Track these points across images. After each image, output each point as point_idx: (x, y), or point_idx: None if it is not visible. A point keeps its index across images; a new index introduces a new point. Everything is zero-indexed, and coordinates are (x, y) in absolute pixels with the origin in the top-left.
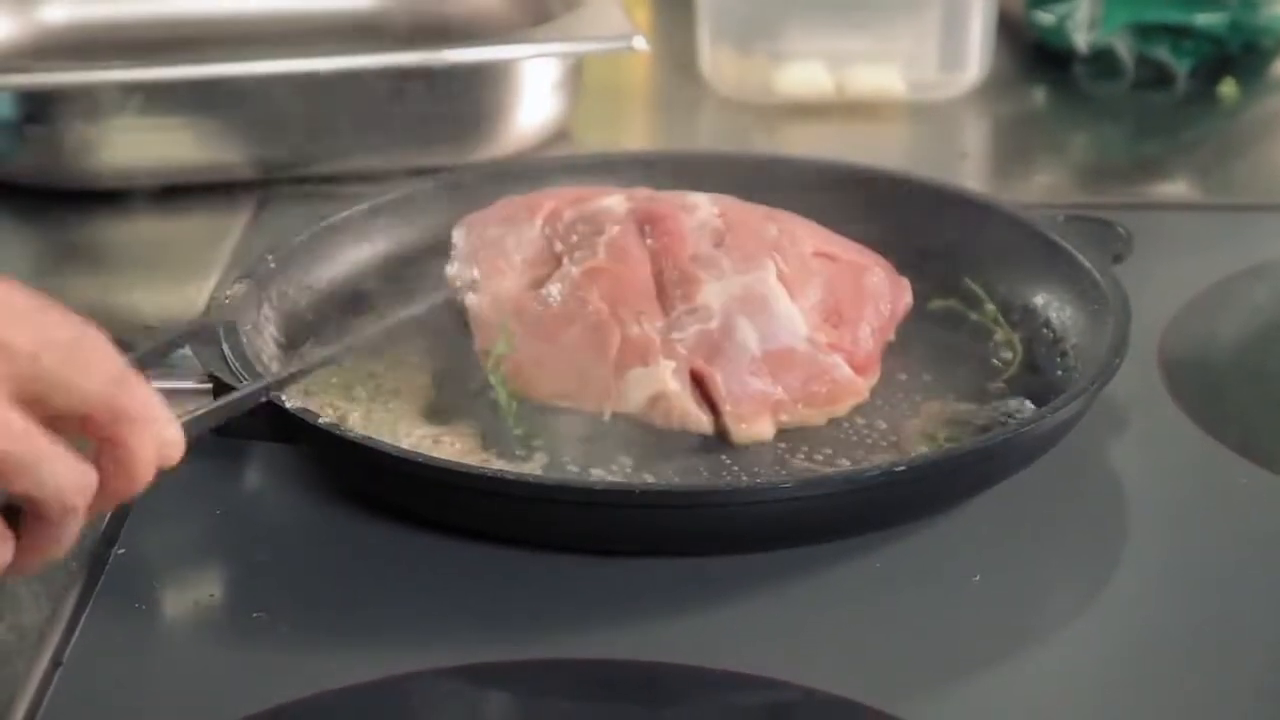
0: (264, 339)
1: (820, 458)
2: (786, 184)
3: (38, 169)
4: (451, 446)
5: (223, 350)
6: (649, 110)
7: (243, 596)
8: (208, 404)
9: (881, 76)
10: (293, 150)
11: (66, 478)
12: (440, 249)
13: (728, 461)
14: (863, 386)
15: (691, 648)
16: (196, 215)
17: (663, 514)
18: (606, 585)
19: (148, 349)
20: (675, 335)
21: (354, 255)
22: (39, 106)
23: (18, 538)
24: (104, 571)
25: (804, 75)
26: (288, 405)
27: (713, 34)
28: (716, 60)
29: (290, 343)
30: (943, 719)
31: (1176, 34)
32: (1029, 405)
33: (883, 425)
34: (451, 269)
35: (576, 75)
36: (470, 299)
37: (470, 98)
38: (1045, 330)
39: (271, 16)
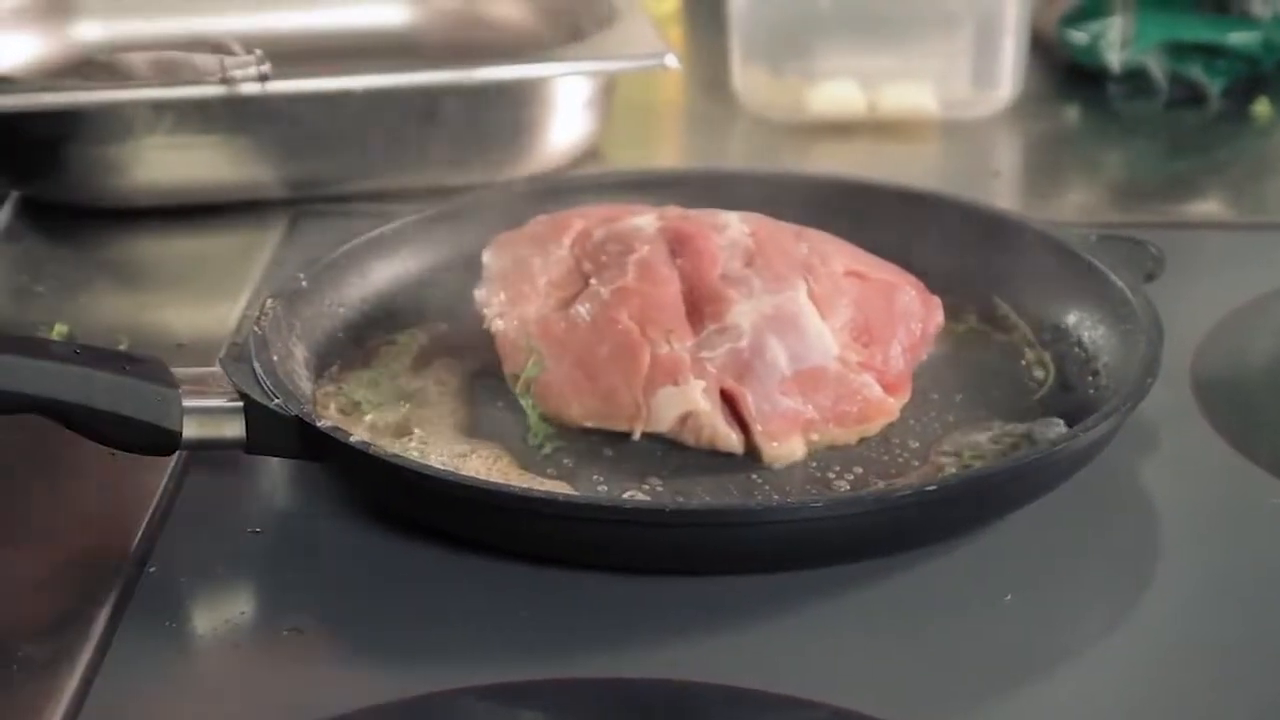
0: (295, 357)
1: (851, 477)
2: (817, 202)
3: (71, 187)
4: (482, 464)
5: (254, 368)
6: (680, 128)
7: (274, 614)
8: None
9: (914, 95)
10: (325, 169)
11: None
12: (471, 267)
13: (758, 481)
14: (894, 406)
15: (723, 667)
16: (228, 233)
17: (693, 533)
18: (637, 604)
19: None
20: (705, 354)
21: (385, 274)
22: (72, 125)
23: None
24: (135, 589)
25: (837, 94)
26: (319, 423)
27: (744, 53)
28: (748, 79)
29: (321, 361)
30: None
31: (1209, 53)
32: (1061, 425)
33: (914, 445)
34: (480, 293)
35: (608, 94)
36: (497, 325)
37: (502, 116)
38: (1077, 349)
39: (304, 35)
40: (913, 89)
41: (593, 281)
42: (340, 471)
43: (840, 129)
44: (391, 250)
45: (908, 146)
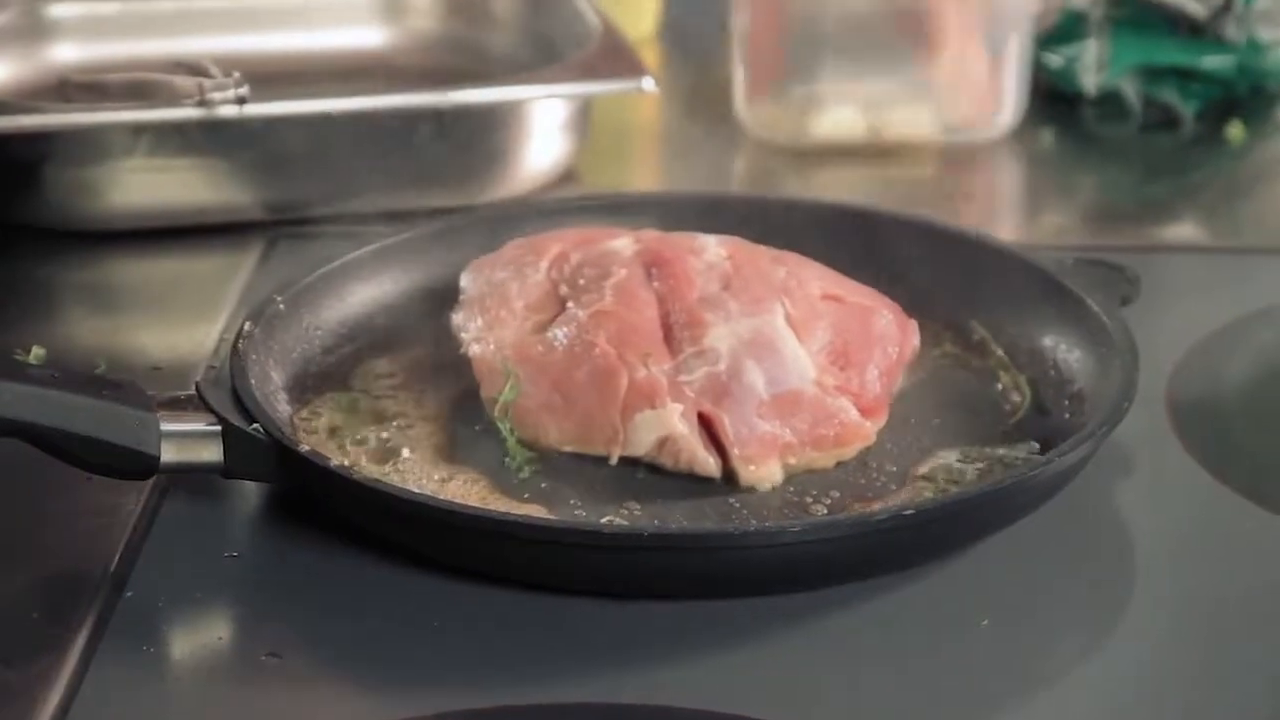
0: (273, 381)
1: (829, 501)
2: (794, 226)
3: (48, 210)
4: (460, 489)
5: (232, 392)
6: (657, 151)
7: (252, 639)
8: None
9: (914, 119)
10: (302, 191)
11: None
12: (448, 290)
13: (736, 504)
14: (870, 430)
15: (699, 691)
16: (206, 256)
17: (671, 557)
18: (615, 628)
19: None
20: (683, 378)
21: (363, 297)
22: (49, 147)
23: None
24: (113, 614)
25: (839, 120)
26: (297, 448)
27: (749, 77)
28: (752, 103)
29: (299, 385)
30: None
31: (1184, 76)
32: (1037, 448)
33: (891, 468)
34: (457, 317)
35: (585, 116)
36: (474, 349)
37: (479, 139)
38: (1053, 373)
39: (282, 57)
40: (913, 113)
41: (570, 305)
42: (318, 496)
43: (827, 152)
44: (369, 273)
45: (885, 172)
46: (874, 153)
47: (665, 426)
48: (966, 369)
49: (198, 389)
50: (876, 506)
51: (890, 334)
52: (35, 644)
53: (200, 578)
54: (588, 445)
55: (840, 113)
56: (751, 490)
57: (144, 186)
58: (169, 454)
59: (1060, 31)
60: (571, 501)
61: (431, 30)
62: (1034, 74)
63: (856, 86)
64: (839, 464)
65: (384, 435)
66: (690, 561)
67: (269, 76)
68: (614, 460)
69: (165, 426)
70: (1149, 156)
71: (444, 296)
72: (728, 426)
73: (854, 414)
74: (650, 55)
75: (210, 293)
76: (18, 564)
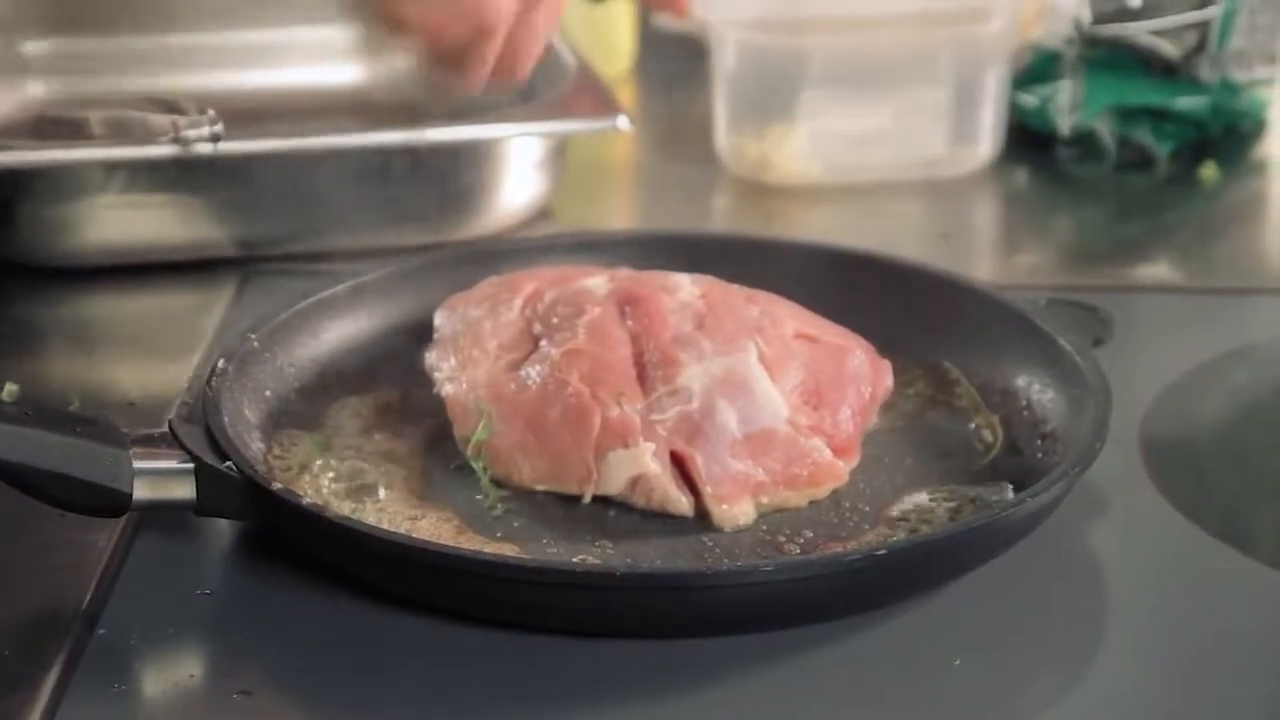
0: (246, 419)
1: (801, 540)
2: (768, 265)
3: (21, 246)
4: (432, 527)
5: (205, 429)
6: (632, 189)
7: (223, 677)
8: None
9: (884, 157)
10: (276, 228)
11: None
12: (423, 327)
13: (709, 543)
14: (843, 469)
15: None
16: (180, 293)
17: (644, 596)
18: (588, 667)
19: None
20: (656, 417)
21: (336, 334)
22: (23, 184)
23: None
24: (84, 652)
25: (794, 157)
26: (270, 486)
27: (730, 115)
28: (732, 139)
29: (273, 422)
30: None
31: (1158, 117)
32: (1009, 489)
33: (864, 508)
34: (430, 356)
35: (560, 154)
36: (447, 389)
37: (454, 176)
38: (1025, 413)
39: (257, 94)
40: (885, 150)
41: (543, 343)
42: (291, 534)
43: (803, 190)
44: (343, 311)
45: (856, 209)
46: (851, 190)
47: (638, 465)
48: (939, 409)
49: (170, 426)
50: (849, 546)
51: (863, 373)
52: (6, 681)
53: (172, 615)
54: (560, 484)
55: (797, 151)
56: (724, 530)
57: (118, 223)
58: (141, 491)
59: (1035, 71)
60: (544, 540)
61: (407, 67)
62: (1009, 114)
63: (836, 123)
64: (812, 503)
65: (357, 473)
66: (663, 600)
67: (244, 114)
68: (587, 499)
69: (138, 464)
70: (1123, 197)
71: (418, 334)
72: (700, 466)
73: (827, 454)
74: (626, 93)
75: (184, 330)
76: None
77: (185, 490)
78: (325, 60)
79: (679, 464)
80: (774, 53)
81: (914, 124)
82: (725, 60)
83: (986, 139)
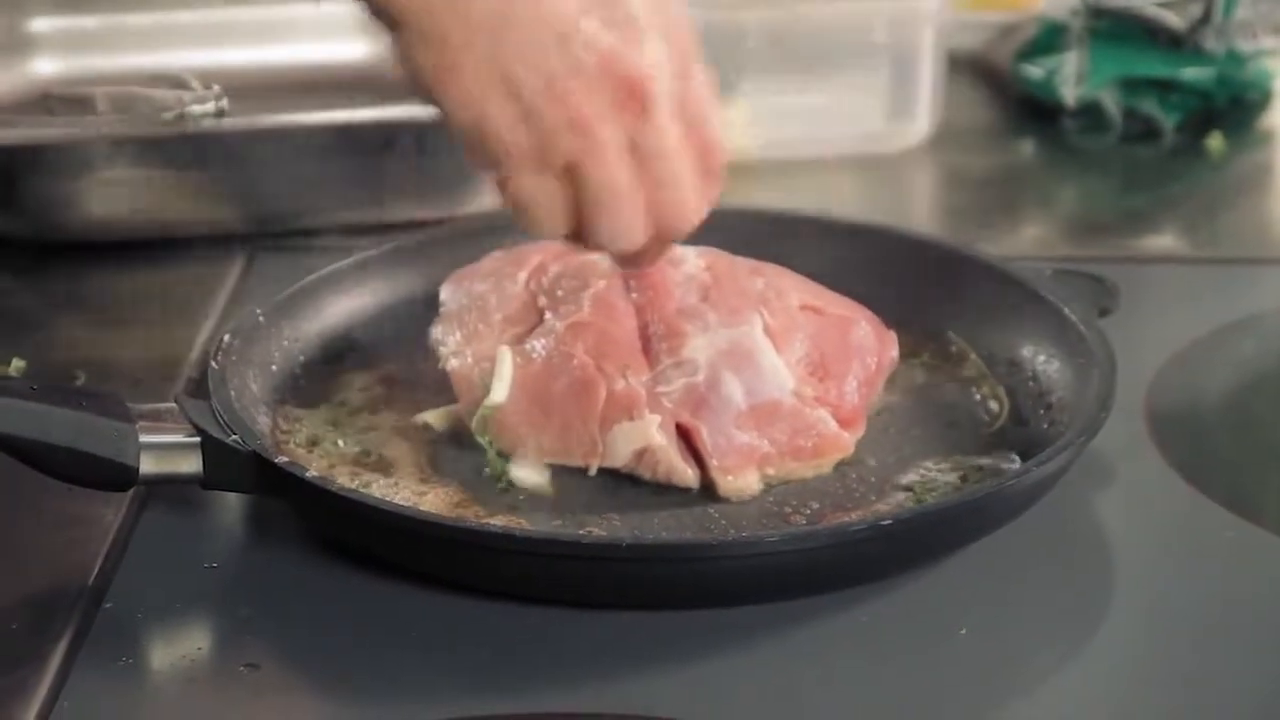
0: (252, 393)
1: (807, 511)
2: (773, 237)
3: (28, 221)
4: (439, 500)
5: (211, 403)
6: None
7: (230, 650)
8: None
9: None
10: (282, 204)
11: None
12: (429, 302)
13: (714, 515)
14: (849, 440)
15: (679, 701)
16: (186, 269)
17: (650, 568)
18: (594, 638)
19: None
20: (661, 389)
21: (343, 309)
22: (30, 160)
23: None
24: (91, 625)
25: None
26: (276, 459)
27: None
28: None
29: (279, 397)
30: None
31: (1164, 88)
32: (1015, 458)
33: (869, 479)
34: (436, 331)
35: None
36: (452, 364)
37: (459, 151)
38: (1031, 383)
39: (263, 70)
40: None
41: (548, 316)
42: (297, 507)
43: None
44: (349, 286)
45: (855, 178)
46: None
47: (643, 438)
48: (945, 379)
49: (177, 400)
50: (855, 516)
51: (869, 345)
52: (13, 655)
53: (179, 589)
54: (566, 457)
55: (734, 127)
56: (730, 501)
57: (124, 199)
58: (148, 465)
59: (1040, 43)
60: (550, 513)
61: None
62: (1014, 85)
63: (772, 99)
64: (818, 474)
65: (363, 447)
66: (669, 572)
67: (249, 90)
68: (593, 471)
69: (144, 438)
70: (1129, 168)
71: (424, 308)
72: (706, 437)
73: (832, 425)
74: None
75: (190, 305)
76: None
77: (192, 464)
78: (331, 36)
79: (684, 436)
80: (710, 27)
81: (850, 100)
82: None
83: (924, 115)
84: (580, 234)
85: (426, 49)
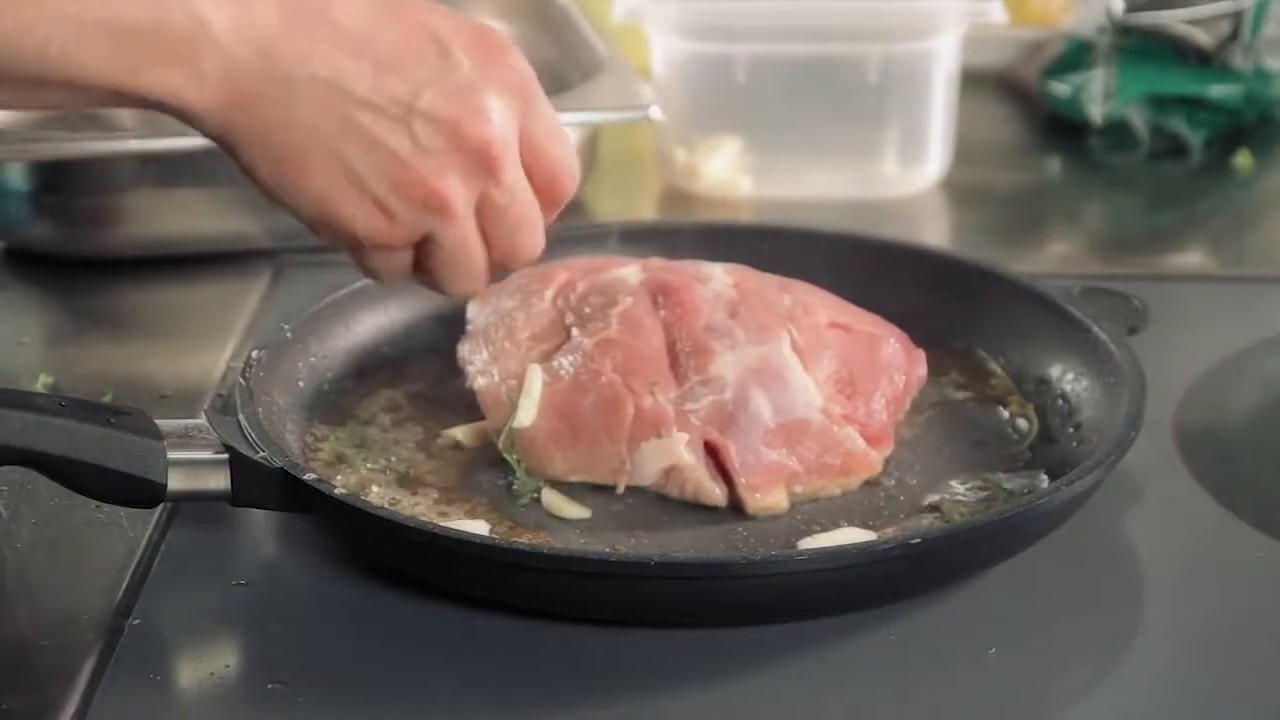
0: (280, 409)
1: (835, 530)
2: (801, 255)
3: (55, 238)
4: (466, 518)
5: (239, 420)
6: (663, 179)
7: (258, 668)
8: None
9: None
10: None
11: None
12: (456, 317)
13: (743, 533)
14: (876, 459)
15: (707, 719)
16: (212, 284)
17: (678, 586)
18: (622, 656)
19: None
20: (689, 406)
21: (370, 325)
22: (58, 176)
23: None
24: (119, 642)
25: (719, 173)
26: (304, 476)
27: (673, 126)
28: (664, 146)
29: (306, 413)
30: None
31: (1191, 105)
32: (1044, 477)
33: (898, 497)
34: (463, 349)
35: (592, 144)
36: (479, 382)
37: None
38: (1060, 402)
39: None
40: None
41: (575, 333)
42: (325, 524)
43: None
44: (377, 302)
45: (885, 208)
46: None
47: (671, 455)
48: (973, 398)
49: (205, 417)
50: (883, 535)
51: (897, 362)
52: (43, 672)
53: (207, 606)
54: (594, 475)
55: (728, 163)
56: (758, 519)
57: (152, 215)
58: (176, 482)
59: (1067, 61)
60: (578, 531)
61: None
62: (1041, 102)
63: (771, 137)
64: (845, 492)
65: (391, 464)
66: (697, 590)
67: None
68: (620, 489)
69: (172, 455)
70: (1156, 185)
71: (451, 324)
72: (733, 455)
73: (860, 443)
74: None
75: (218, 321)
76: (25, 593)
77: (220, 481)
78: None
79: (712, 454)
80: (703, 60)
81: (855, 141)
82: (656, 64)
83: (935, 156)
84: (425, 280)
85: (269, 162)
